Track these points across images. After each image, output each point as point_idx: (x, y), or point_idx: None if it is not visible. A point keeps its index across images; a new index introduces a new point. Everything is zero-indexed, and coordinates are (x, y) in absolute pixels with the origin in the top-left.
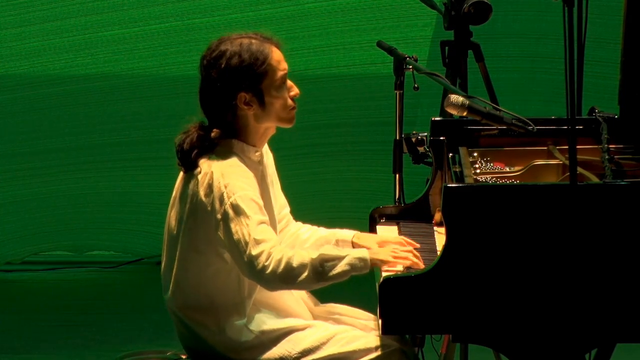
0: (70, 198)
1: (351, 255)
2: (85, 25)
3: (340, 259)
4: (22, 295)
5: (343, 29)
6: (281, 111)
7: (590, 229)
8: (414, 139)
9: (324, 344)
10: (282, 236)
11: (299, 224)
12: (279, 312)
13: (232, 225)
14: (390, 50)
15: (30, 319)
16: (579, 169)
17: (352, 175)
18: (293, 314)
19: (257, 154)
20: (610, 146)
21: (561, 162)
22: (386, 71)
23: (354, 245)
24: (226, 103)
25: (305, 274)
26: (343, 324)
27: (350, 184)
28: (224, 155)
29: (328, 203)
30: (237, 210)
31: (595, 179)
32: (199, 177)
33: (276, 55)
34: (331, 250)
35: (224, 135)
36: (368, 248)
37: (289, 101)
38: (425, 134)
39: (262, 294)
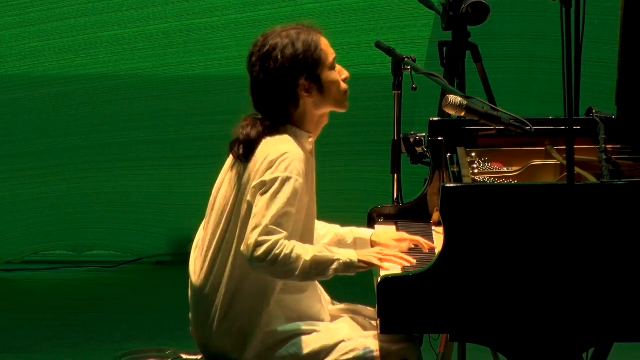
0: (70, 198)
1: (341, 260)
2: (85, 26)
3: (330, 262)
4: (22, 295)
5: (342, 29)
6: (337, 94)
7: (587, 228)
8: (412, 139)
9: (328, 350)
10: None
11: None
12: (301, 316)
13: (261, 196)
14: (389, 51)
15: (30, 319)
16: (577, 169)
17: (350, 175)
18: (314, 317)
19: (310, 140)
20: (608, 146)
21: (559, 162)
22: (384, 72)
23: (372, 243)
24: (287, 93)
25: (296, 272)
26: (358, 322)
27: (348, 183)
28: (282, 136)
29: (326, 203)
30: (274, 187)
31: (592, 179)
32: (257, 152)
33: (324, 41)
34: (324, 252)
35: (282, 123)
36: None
37: (343, 84)
38: (424, 134)
39: (287, 296)
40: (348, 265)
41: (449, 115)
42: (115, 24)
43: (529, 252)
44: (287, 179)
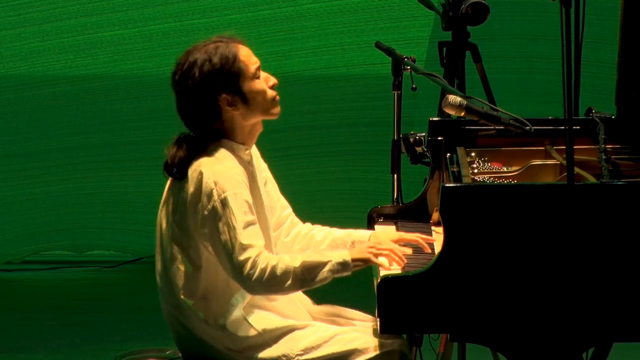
0: (70, 198)
1: (333, 261)
2: (85, 26)
3: (322, 265)
4: (22, 295)
5: (341, 29)
6: (264, 103)
7: (587, 228)
8: (412, 139)
9: (325, 342)
10: (295, 238)
11: (308, 224)
12: (275, 314)
13: (220, 225)
14: (389, 51)
15: (30, 319)
16: (576, 169)
17: (350, 175)
18: (288, 316)
19: (247, 152)
20: (607, 146)
21: (558, 162)
22: (384, 72)
23: None
24: (209, 110)
25: (289, 282)
26: (340, 325)
27: (348, 184)
28: (214, 153)
29: (326, 203)
30: (226, 209)
31: (592, 179)
32: (189, 174)
33: (244, 52)
34: (314, 257)
35: (213, 139)
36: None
37: (270, 91)
38: (423, 134)
39: (255, 297)
40: (342, 265)
41: (449, 115)
42: (115, 24)
43: (528, 252)
44: (234, 195)
